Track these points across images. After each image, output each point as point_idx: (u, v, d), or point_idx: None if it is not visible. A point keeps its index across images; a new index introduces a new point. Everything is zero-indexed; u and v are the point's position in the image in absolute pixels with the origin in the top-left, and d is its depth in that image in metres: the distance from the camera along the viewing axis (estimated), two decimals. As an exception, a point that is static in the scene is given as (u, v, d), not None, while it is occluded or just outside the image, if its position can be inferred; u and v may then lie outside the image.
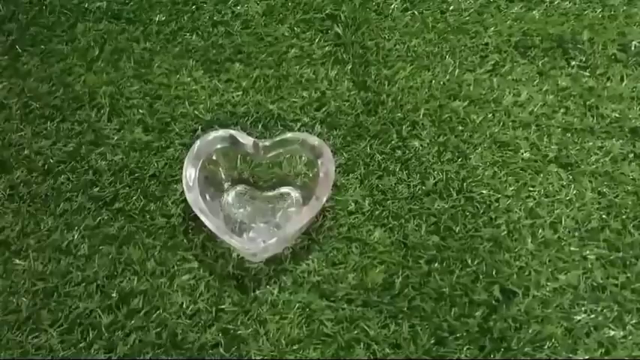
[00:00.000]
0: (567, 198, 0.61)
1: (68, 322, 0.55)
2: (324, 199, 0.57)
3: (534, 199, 0.61)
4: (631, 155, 0.64)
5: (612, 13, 0.75)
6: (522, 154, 0.64)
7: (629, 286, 0.56)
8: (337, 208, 0.61)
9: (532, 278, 0.56)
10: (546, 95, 0.69)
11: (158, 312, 0.55)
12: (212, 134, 0.61)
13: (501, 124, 0.66)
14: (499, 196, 0.61)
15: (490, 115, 0.67)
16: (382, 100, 0.68)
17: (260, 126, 0.67)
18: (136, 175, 0.64)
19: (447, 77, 0.70)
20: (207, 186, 0.59)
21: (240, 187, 0.63)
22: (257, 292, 0.57)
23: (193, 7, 0.78)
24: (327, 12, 0.76)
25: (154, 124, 0.67)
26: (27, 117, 0.68)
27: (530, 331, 0.53)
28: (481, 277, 0.56)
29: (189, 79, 0.71)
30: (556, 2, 0.77)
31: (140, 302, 0.56)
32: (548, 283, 0.56)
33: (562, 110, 0.67)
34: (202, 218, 0.56)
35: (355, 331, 0.54)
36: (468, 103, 0.68)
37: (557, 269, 0.57)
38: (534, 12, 0.76)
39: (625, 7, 0.76)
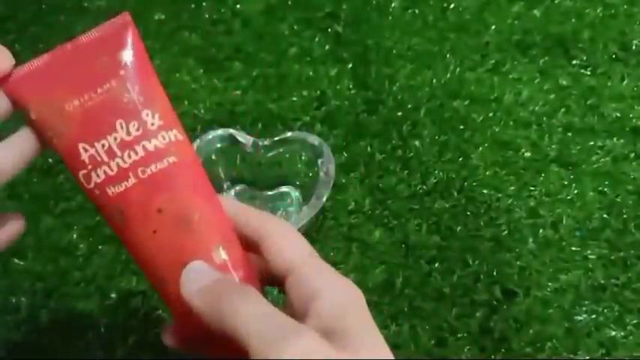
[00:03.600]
0: (568, 197, 0.61)
1: (67, 322, 0.55)
2: (324, 199, 0.56)
3: (535, 198, 0.61)
4: (632, 155, 0.64)
5: (613, 12, 0.75)
6: (523, 153, 0.64)
7: (630, 286, 0.56)
8: (337, 208, 0.61)
9: (533, 278, 0.56)
10: (547, 94, 0.68)
11: (157, 312, 0.55)
12: (211, 133, 0.61)
13: (502, 123, 0.66)
14: (500, 195, 0.61)
15: (491, 114, 0.67)
16: (383, 99, 0.68)
17: (260, 125, 0.67)
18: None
19: (448, 76, 0.70)
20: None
21: (239, 187, 0.63)
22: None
23: (193, 5, 0.78)
24: (327, 10, 0.76)
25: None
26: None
27: (531, 332, 0.53)
28: (482, 277, 0.56)
29: (188, 77, 0.71)
30: (557, 1, 0.76)
31: (139, 302, 0.56)
32: (549, 283, 0.56)
33: (563, 109, 0.67)
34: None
35: (355, 332, 0.54)
36: (469, 102, 0.68)
37: (558, 269, 0.57)
38: (535, 11, 0.76)
39: (626, 7, 0.76)
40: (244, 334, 0.27)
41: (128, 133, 0.29)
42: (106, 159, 0.29)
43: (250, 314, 0.28)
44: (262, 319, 0.28)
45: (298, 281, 0.30)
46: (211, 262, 0.31)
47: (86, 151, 0.29)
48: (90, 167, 0.29)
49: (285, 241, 0.32)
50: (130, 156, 0.29)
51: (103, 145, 0.29)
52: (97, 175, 0.29)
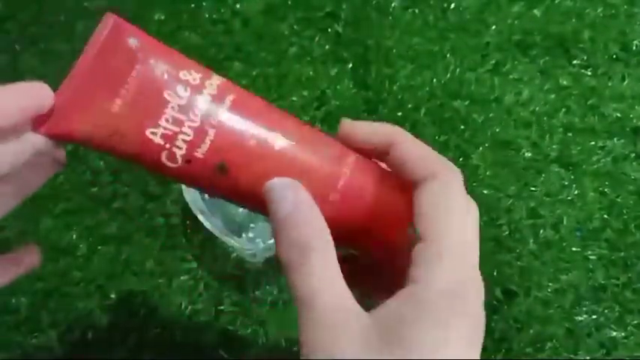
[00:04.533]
0: (569, 198, 0.61)
1: (67, 322, 0.55)
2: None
3: (536, 198, 0.61)
4: (632, 155, 0.64)
5: (613, 12, 0.75)
6: (524, 153, 0.64)
7: (630, 286, 0.56)
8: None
9: (533, 278, 0.56)
10: (547, 94, 0.68)
11: (157, 312, 0.55)
12: (212, 133, 0.61)
13: (502, 123, 0.66)
14: (500, 195, 0.61)
15: (491, 115, 0.67)
16: (383, 99, 0.68)
17: (260, 125, 0.67)
18: (135, 174, 0.63)
19: (448, 76, 0.70)
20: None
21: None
22: (257, 292, 0.57)
23: (193, 5, 0.77)
24: (327, 10, 0.76)
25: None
26: (26, 116, 0.68)
27: (531, 332, 0.53)
28: (482, 277, 0.56)
29: (188, 78, 0.71)
30: (557, 1, 0.76)
31: (139, 302, 0.56)
32: (550, 284, 0.56)
33: (563, 109, 0.67)
34: (201, 218, 0.56)
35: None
36: (469, 103, 0.68)
37: (559, 269, 0.57)
38: (535, 11, 0.75)
39: (626, 7, 0.76)
40: (297, 294, 0.27)
41: (180, 97, 0.30)
42: (177, 129, 0.29)
43: (311, 277, 0.27)
44: (321, 287, 0.27)
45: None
46: (320, 172, 0.30)
47: (155, 133, 0.29)
48: (168, 145, 0.29)
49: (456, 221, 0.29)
50: (195, 114, 0.29)
51: (167, 119, 0.29)
52: (179, 147, 0.29)
